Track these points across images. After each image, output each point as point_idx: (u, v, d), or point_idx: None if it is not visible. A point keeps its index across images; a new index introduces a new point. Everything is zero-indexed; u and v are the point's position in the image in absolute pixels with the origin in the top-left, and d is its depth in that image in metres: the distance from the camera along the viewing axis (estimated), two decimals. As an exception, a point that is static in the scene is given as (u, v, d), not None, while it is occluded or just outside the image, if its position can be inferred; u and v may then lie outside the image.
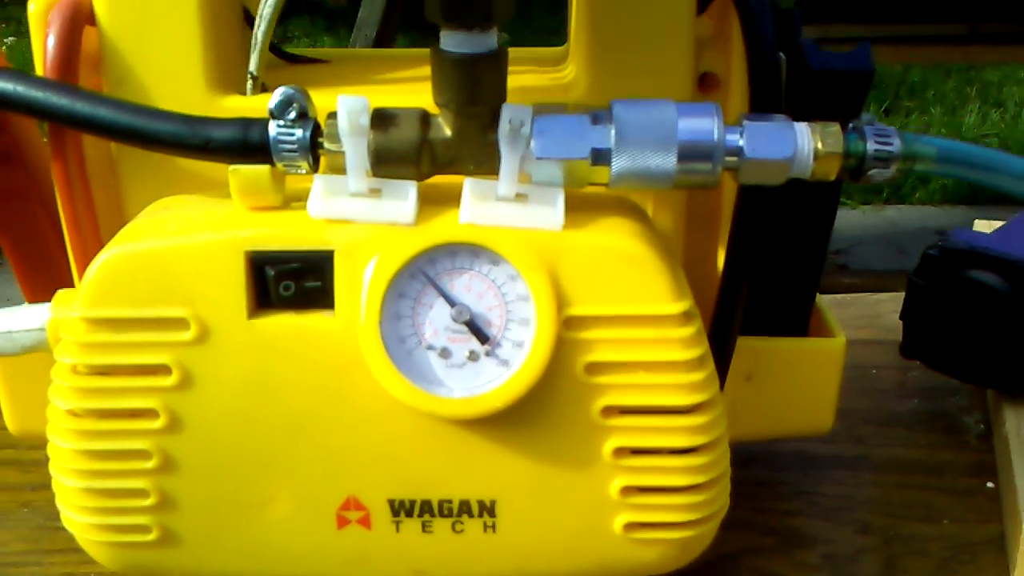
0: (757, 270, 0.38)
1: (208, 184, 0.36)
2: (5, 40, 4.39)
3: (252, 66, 0.36)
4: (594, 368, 0.32)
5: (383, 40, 1.96)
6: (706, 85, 0.38)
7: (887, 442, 0.50)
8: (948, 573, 0.41)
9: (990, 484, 0.46)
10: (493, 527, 0.34)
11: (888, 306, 0.56)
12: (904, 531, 0.43)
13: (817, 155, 0.32)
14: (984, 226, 0.62)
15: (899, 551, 0.42)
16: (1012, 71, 3.72)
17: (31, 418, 0.43)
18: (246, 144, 0.32)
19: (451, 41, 0.30)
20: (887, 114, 3.43)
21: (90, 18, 0.36)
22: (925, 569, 0.41)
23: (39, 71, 0.36)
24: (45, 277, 0.41)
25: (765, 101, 0.34)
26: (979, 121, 3.34)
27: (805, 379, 0.42)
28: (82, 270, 0.38)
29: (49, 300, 0.37)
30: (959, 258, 0.47)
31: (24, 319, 0.35)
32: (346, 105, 0.31)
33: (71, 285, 0.39)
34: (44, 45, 0.35)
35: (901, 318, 0.50)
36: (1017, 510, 0.41)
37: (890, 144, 0.32)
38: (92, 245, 0.37)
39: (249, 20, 0.39)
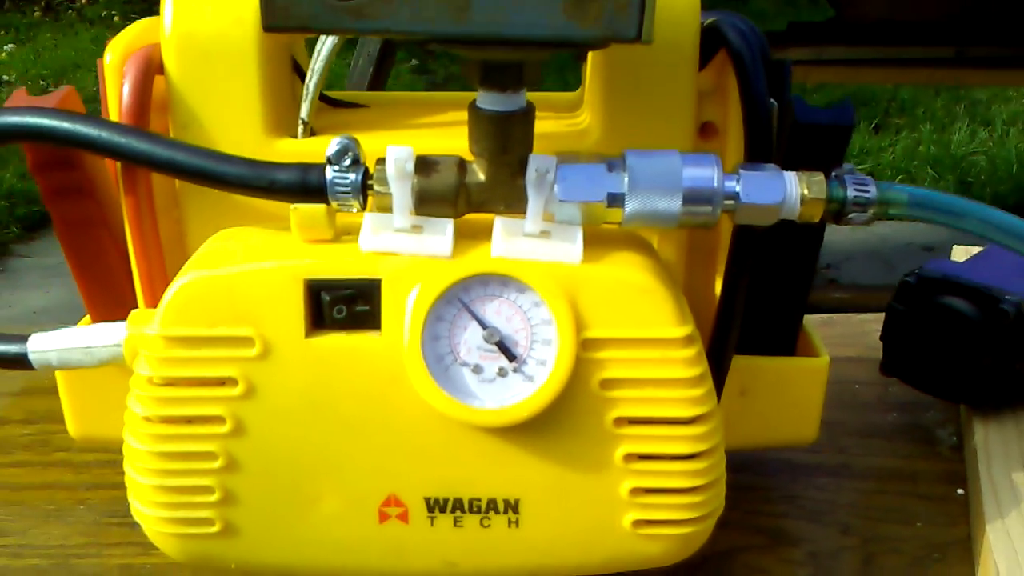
0: (750, 297, 0.43)
1: (261, 217, 0.40)
2: (4, 47, 4.42)
3: (303, 113, 0.41)
4: (608, 384, 0.36)
5: (385, 54, 2.01)
6: (706, 133, 0.43)
7: (867, 452, 0.54)
8: (920, 570, 0.45)
9: (960, 491, 0.50)
10: (517, 523, 0.38)
11: (871, 326, 0.60)
12: (881, 532, 0.48)
13: (804, 200, 0.36)
14: (961, 251, 0.66)
15: (876, 550, 0.47)
16: (1000, 90, 3.79)
17: (91, 423, 0.47)
18: (305, 186, 0.36)
19: (487, 100, 0.35)
20: (877, 131, 3.49)
21: (159, 69, 0.40)
22: (899, 566, 0.45)
23: (114, 115, 0.40)
24: (108, 298, 0.45)
25: (759, 149, 0.39)
26: (968, 139, 3.40)
27: (792, 394, 0.47)
28: (147, 292, 0.42)
29: (110, 318, 0.41)
30: (933, 286, 0.52)
31: (102, 336, 0.39)
32: (394, 154, 0.35)
33: (132, 306, 0.44)
34: (120, 92, 0.39)
35: (881, 338, 0.54)
36: (982, 513, 0.46)
37: (867, 191, 0.37)
38: (157, 270, 0.42)
39: (297, 69, 0.44)
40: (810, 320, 0.49)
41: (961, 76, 2.39)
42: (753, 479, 0.51)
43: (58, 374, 0.46)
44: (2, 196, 2.96)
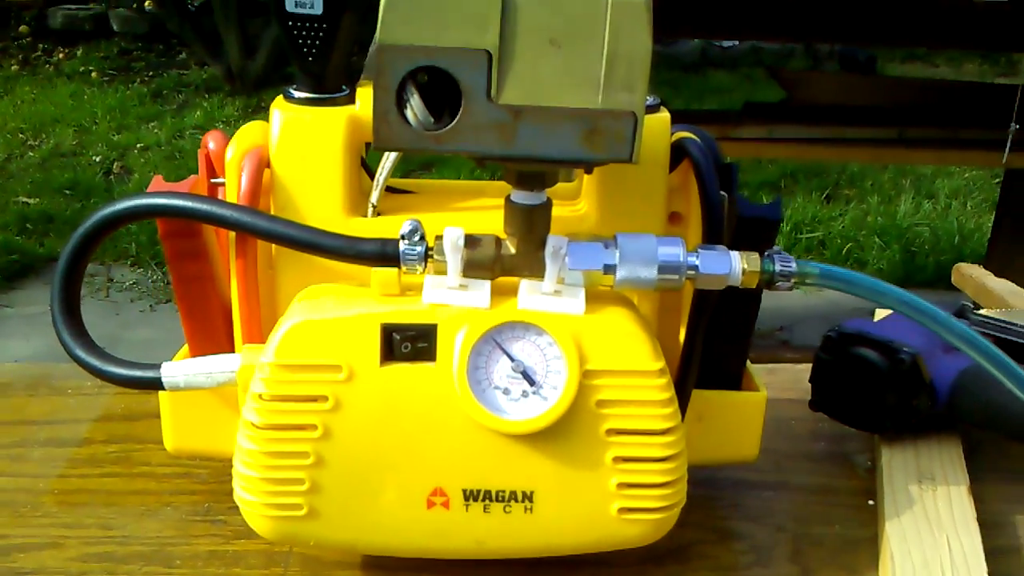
0: (706, 344, 0.56)
1: (336, 275, 0.53)
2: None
3: (373, 199, 0.54)
4: (602, 403, 0.49)
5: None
6: (674, 220, 0.57)
7: (800, 472, 0.67)
8: (837, 557, 0.58)
9: (871, 502, 0.64)
10: (531, 510, 0.50)
11: (806, 374, 0.73)
12: (808, 531, 0.60)
13: (744, 272, 0.50)
14: (881, 313, 0.81)
15: (803, 544, 0.59)
16: (944, 166, 4.02)
17: (185, 439, 0.59)
18: (384, 255, 0.49)
19: (519, 196, 0.49)
20: (828, 201, 3.70)
21: (267, 163, 0.53)
22: (821, 555, 0.58)
23: (231, 197, 0.53)
24: (207, 338, 0.57)
25: (712, 234, 0.53)
26: (913, 210, 3.61)
27: (739, 420, 0.60)
28: (247, 334, 0.54)
29: (207, 354, 0.54)
30: (850, 339, 0.66)
31: (220, 364, 0.52)
32: (449, 233, 0.48)
33: (223, 345, 0.56)
34: (239, 181, 0.52)
35: (810, 381, 0.68)
36: (883, 516, 0.59)
37: (790, 266, 0.50)
38: (256, 317, 0.54)
39: (363, 165, 0.57)
40: (754, 366, 0.62)
41: (903, 155, 2.59)
42: (708, 491, 0.64)
43: (163, 400, 0.58)
44: (-16, 246, 3.03)
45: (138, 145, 4.10)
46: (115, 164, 3.90)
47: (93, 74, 5.13)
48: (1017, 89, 1.95)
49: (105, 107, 4.53)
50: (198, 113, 4.52)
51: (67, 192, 3.54)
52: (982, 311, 0.83)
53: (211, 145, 0.56)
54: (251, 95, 4.68)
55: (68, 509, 0.60)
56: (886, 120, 2.23)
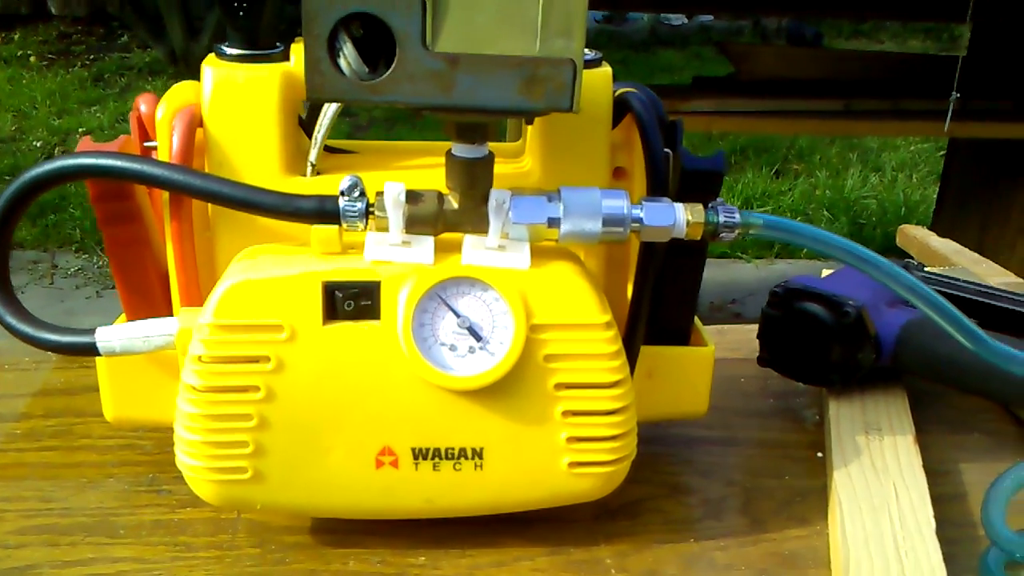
0: (654, 299, 0.56)
1: (275, 237, 0.52)
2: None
3: (312, 158, 0.53)
4: (550, 358, 0.49)
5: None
6: (618, 175, 0.57)
7: (749, 428, 0.68)
8: (786, 509, 0.59)
9: (819, 454, 0.64)
10: (481, 467, 0.50)
11: (754, 334, 0.73)
12: (757, 484, 0.61)
13: (689, 224, 0.50)
14: (827, 272, 0.82)
15: (753, 496, 0.60)
16: (890, 139, 4.09)
17: (124, 407, 0.57)
18: (323, 212, 0.48)
19: (460, 150, 0.48)
20: (777, 176, 3.74)
21: (200, 122, 0.52)
22: (770, 506, 0.59)
23: (165, 157, 0.52)
24: (144, 303, 0.55)
25: (656, 187, 0.53)
26: (860, 184, 3.67)
27: (687, 376, 0.60)
28: (184, 296, 0.53)
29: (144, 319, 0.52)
30: (796, 294, 0.66)
31: (157, 327, 0.51)
32: (390, 188, 0.48)
33: (161, 310, 0.55)
34: (170, 140, 0.51)
35: (758, 337, 0.68)
36: (831, 466, 0.60)
37: (733, 217, 0.50)
38: (193, 279, 0.53)
39: (300, 123, 0.56)
40: (702, 325, 0.62)
41: (848, 127, 2.62)
42: (658, 448, 0.64)
43: (100, 367, 0.56)
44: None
45: (80, 129, 4.00)
46: (56, 149, 3.81)
47: (32, 58, 5.00)
48: (958, 60, 1.98)
49: (45, 91, 4.42)
50: (136, 97, 4.42)
51: (7, 178, 3.44)
52: (927, 268, 0.84)
53: (143, 108, 0.55)
54: (196, 77, 4.58)
55: (5, 483, 0.58)
56: (832, 92, 2.26)
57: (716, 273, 2.95)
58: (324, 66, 0.43)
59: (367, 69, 0.43)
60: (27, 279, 2.82)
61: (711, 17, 5.90)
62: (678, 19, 5.95)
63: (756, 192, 3.54)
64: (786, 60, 2.53)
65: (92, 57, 5.07)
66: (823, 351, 0.65)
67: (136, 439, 0.63)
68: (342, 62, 0.43)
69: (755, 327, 0.70)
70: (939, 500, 0.56)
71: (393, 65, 0.43)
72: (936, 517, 0.54)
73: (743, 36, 5.72)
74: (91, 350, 0.51)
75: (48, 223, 3.08)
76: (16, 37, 5.27)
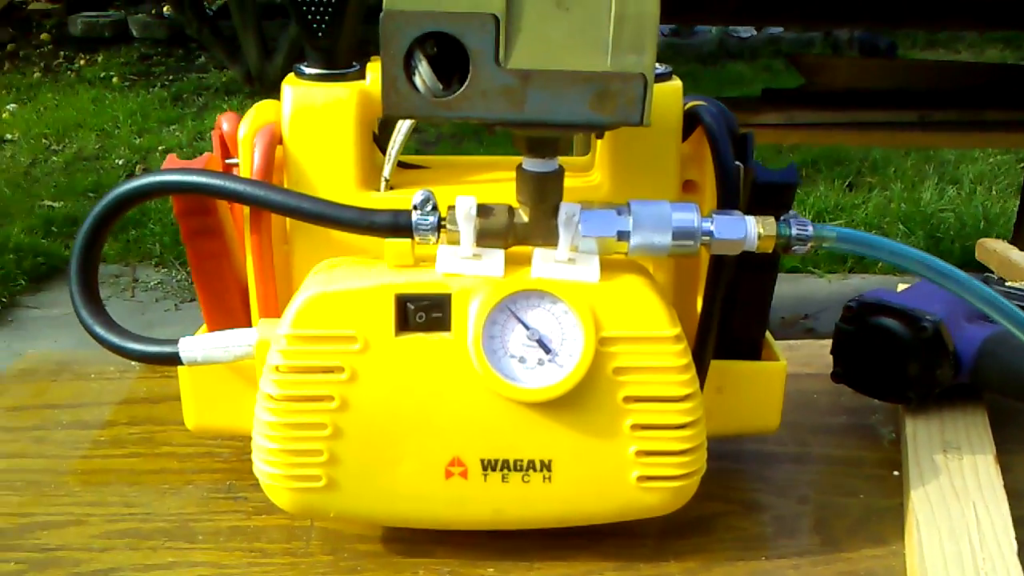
0: (725, 314, 0.56)
1: (350, 249, 0.53)
2: (7, 107, 4.56)
3: (386, 173, 0.54)
4: (619, 370, 0.49)
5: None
6: (688, 188, 0.57)
7: (822, 444, 0.67)
8: (861, 528, 0.57)
9: (896, 473, 0.63)
10: (550, 479, 0.50)
11: (827, 350, 0.72)
12: (831, 502, 0.60)
13: (760, 237, 0.50)
14: (903, 287, 0.80)
15: (827, 514, 0.59)
16: (967, 150, 3.98)
17: (204, 416, 0.59)
18: (396, 226, 0.49)
19: (531, 164, 0.49)
20: (851, 189, 3.67)
21: (280, 140, 0.54)
22: (845, 525, 0.58)
23: (245, 173, 0.54)
24: (224, 314, 0.57)
25: (727, 200, 0.53)
26: (937, 197, 3.57)
27: (759, 391, 0.59)
28: (263, 309, 0.55)
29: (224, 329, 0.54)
30: (871, 309, 0.65)
31: (237, 338, 0.52)
32: (462, 202, 0.48)
33: (240, 321, 0.56)
34: (251, 157, 0.53)
35: (832, 352, 0.67)
36: (908, 486, 0.59)
37: (806, 230, 0.50)
38: (271, 292, 0.54)
39: (375, 139, 0.57)
40: (773, 339, 0.62)
41: (924, 139, 2.56)
42: (732, 464, 0.64)
43: (182, 377, 0.58)
44: (10, 251, 3.07)
45: (160, 148, 4.13)
46: (137, 167, 3.93)
47: (114, 79, 5.19)
48: (1040, 68, 1.92)
49: (126, 111, 4.57)
50: (218, 115, 4.55)
51: (91, 195, 3.57)
52: (1008, 283, 0.82)
53: (224, 126, 0.57)
54: (270, 96, 4.69)
55: (91, 488, 0.61)
56: (906, 103, 2.21)
57: (788, 288, 2.90)
58: (400, 84, 0.44)
59: (441, 86, 0.44)
60: (109, 292, 2.92)
61: (781, 29, 5.83)
62: (747, 31, 5.89)
63: (829, 205, 3.47)
64: (858, 71, 2.49)
65: (171, 78, 5.23)
66: (900, 367, 0.64)
67: (215, 447, 0.65)
68: (417, 80, 0.44)
69: (828, 342, 0.69)
70: (1021, 523, 0.54)
71: (467, 82, 0.44)
72: (1018, 540, 0.53)
73: (814, 48, 5.63)
74: (174, 360, 0.53)
75: (129, 238, 3.18)
76: (100, 59, 5.48)
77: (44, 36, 5.63)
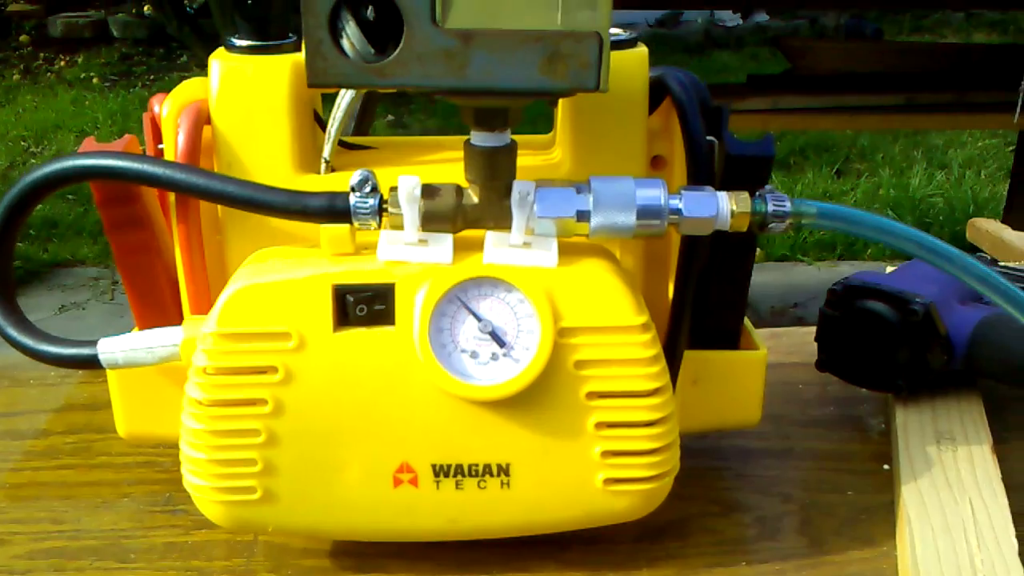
0: (699, 300, 0.51)
1: (289, 240, 0.49)
2: None
3: (326, 153, 0.50)
4: (580, 364, 0.45)
5: (366, 110, 2.13)
6: (657, 165, 0.52)
7: (808, 438, 0.62)
8: (850, 528, 0.53)
9: (886, 467, 0.59)
10: (508, 484, 0.46)
11: (811, 337, 0.68)
12: (817, 500, 0.56)
13: (733, 214, 0.45)
14: (891, 269, 0.76)
15: (813, 514, 0.55)
16: (956, 135, 3.95)
17: (137, 423, 0.55)
18: (333, 210, 0.45)
19: (479, 138, 0.44)
20: (839, 175, 3.64)
21: (207, 119, 0.49)
22: (832, 525, 0.53)
23: (169, 157, 0.49)
24: (155, 312, 0.52)
25: (698, 176, 0.48)
26: (926, 182, 3.54)
27: (738, 382, 0.55)
28: (193, 304, 0.50)
29: (158, 330, 0.49)
30: (857, 292, 0.61)
31: (161, 338, 0.47)
32: (404, 182, 0.44)
33: (174, 319, 0.52)
34: (175, 138, 0.48)
35: (816, 340, 0.63)
36: (899, 480, 0.55)
37: (784, 206, 0.46)
38: (202, 286, 0.50)
39: (316, 119, 0.53)
40: (752, 326, 0.57)
41: (912, 121, 2.53)
42: (710, 462, 0.60)
43: (111, 381, 0.53)
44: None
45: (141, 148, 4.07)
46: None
47: (94, 80, 5.12)
48: (1028, 47, 1.89)
49: (107, 112, 4.51)
50: (151, 97, 4.50)
51: (69, 197, 3.51)
52: (1000, 263, 0.78)
53: (156, 108, 0.52)
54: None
55: (19, 504, 0.56)
56: (894, 86, 2.18)
57: (777, 276, 2.87)
58: (326, 48, 0.39)
59: (372, 50, 0.39)
60: (88, 295, 2.86)
61: (766, 17, 5.79)
62: (732, 20, 5.85)
63: (817, 193, 3.44)
64: (845, 54, 2.45)
65: (152, 77, 5.17)
66: (888, 353, 0.60)
67: (156, 456, 0.60)
68: (345, 43, 0.39)
69: (811, 330, 0.65)
70: (1021, 517, 0.50)
71: (400, 45, 0.39)
72: (1018, 536, 0.49)
73: (800, 34, 5.59)
74: (93, 363, 0.48)
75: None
76: (80, 60, 5.41)
77: (23, 38, 5.55)
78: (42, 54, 5.46)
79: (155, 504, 0.56)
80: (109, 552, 0.52)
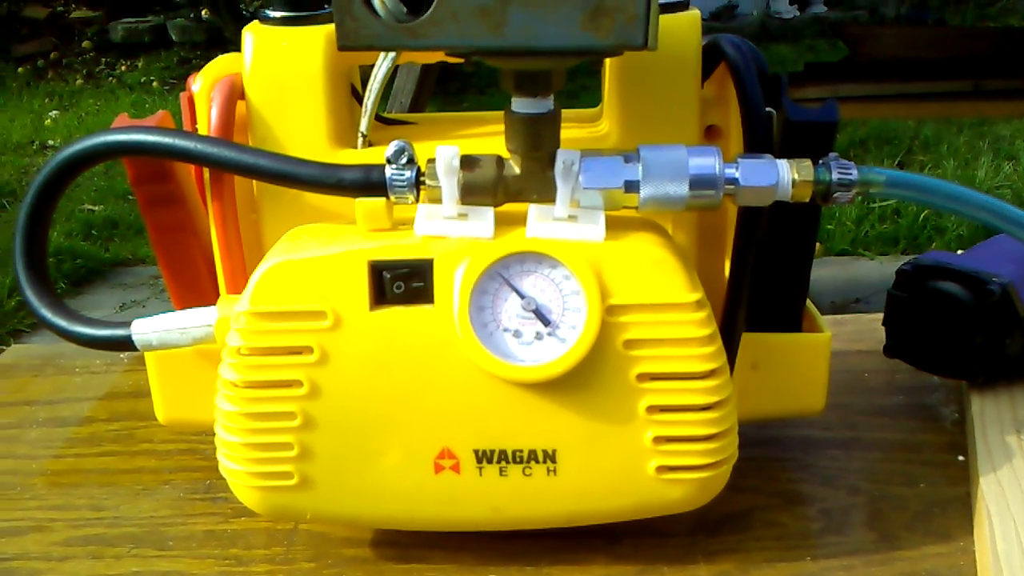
0: (758, 280, 0.48)
1: (327, 217, 0.47)
2: (49, 114, 4.61)
3: (363, 127, 0.48)
4: (630, 344, 0.42)
5: (416, 106, 2.12)
6: (711, 135, 0.49)
7: (875, 428, 0.59)
8: (922, 523, 0.50)
9: (961, 457, 0.55)
10: (555, 471, 0.43)
11: (878, 324, 0.64)
12: (887, 492, 0.52)
13: (795, 183, 0.42)
14: (963, 254, 0.71)
15: (883, 507, 0.51)
16: (1023, 125, 3.81)
17: (177, 408, 0.53)
18: (368, 183, 0.43)
19: (520, 105, 0.42)
20: (901, 168, 3.53)
21: (241, 94, 0.47)
22: (903, 519, 0.50)
23: (204, 132, 0.47)
24: (191, 292, 0.51)
25: (756, 145, 0.45)
26: (992, 174, 3.42)
27: (800, 367, 0.52)
28: (229, 283, 0.48)
29: (195, 311, 0.48)
30: (928, 272, 0.57)
31: (195, 318, 0.46)
32: (442, 153, 0.42)
33: (211, 299, 0.50)
34: (208, 114, 0.47)
35: (884, 324, 0.59)
36: (977, 471, 0.51)
37: (850, 174, 0.42)
38: (238, 264, 0.48)
39: (354, 94, 0.51)
40: (816, 309, 0.54)
41: (979, 108, 2.44)
42: (772, 452, 0.56)
43: (149, 365, 0.52)
44: (50, 255, 3.08)
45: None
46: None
47: (154, 83, 5.21)
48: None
49: (166, 114, 4.60)
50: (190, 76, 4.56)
51: (130, 198, 3.58)
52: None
53: (194, 87, 0.51)
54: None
55: (58, 490, 0.55)
56: (958, 72, 2.10)
57: (837, 271, 2.79)
58: (356, 8, 0.37)
59: (405, 9, 0.37)
60: (148, 293, 2.90)
61: (824, 8, 5.66)
62: (789, 12, 5.73)
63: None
64: (907, 40, 2.38)
65: (209, 80, 5.25)
66: (963, 337, 0.56)
67: (198, 443, 0.59)
68: (377, 3, 0.37)
69: (878, 317, 0.61)
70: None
71: (434, 2, 0.37)
72: (1110, 532, 0.45)
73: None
74: (127, 344, 0.47)
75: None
76: (140, 65, 5.52)
77: (86, 43, 5.68)
78: (104, 59, 5.58)
79: (195, 492, 0.55)
80: (148, 539, 0.50)
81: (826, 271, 2.89)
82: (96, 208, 3.53)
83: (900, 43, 2.31)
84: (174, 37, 5.75)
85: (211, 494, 0.54)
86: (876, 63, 2.19)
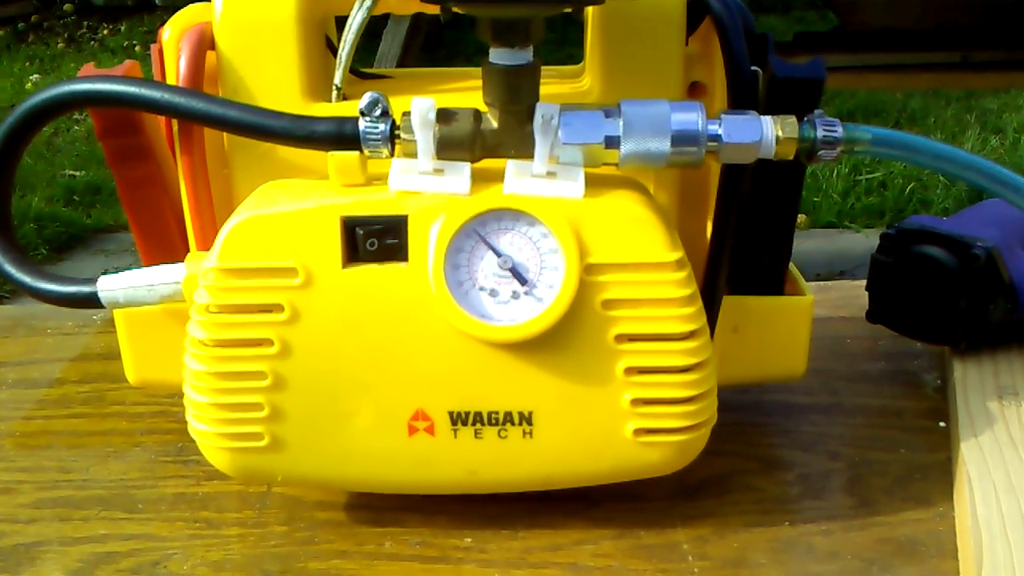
0: (740, 242, 0.47)
1: (300, 172, 0.46)
2: (30, 77, 4.54)
3: (337, 80, 0.46)
4: (609, 304, 0.41)
5: (409, 43, 2.10)
6: (695, 92, 0.48)
7: (857, 394, 0.58)
8: (902, 488, 0.49)
9: (942, 424, 0.55)
10: (531, 434, 0.43)
11: (861, 290, 0.63)
12: (867, 458, 0.52)
13: (778, 140, 0.41)
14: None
15: (862, 472, 0.51)
16: (1011, 99, 3.81)
17: (147, 369, 0.52)
18: (341, 136, 0.41)
19: (498, 55, 0.40)
20: (889, 140, 3.53)
21: (211, 44, 0.46)
22: (883, 485, 0.50)
23: (172, 83, 0.46)
24: (161, 249, 0.50)
25: (741, 103, 0.44)
26: (979, 147, 3.42)
27: (782, 330, 0.51)
28: (199, 240, 0.47)
29: (166, 270, 0.46)
30: (912, 237, 0.56)
31: (163, 275, 0.45)
32: (418, 105, 0.40)
33: (181, 255, 0.49)
34: (177, 64, 0.45)
35: (867, 288, 0.59)
36: (958, 437, 0.50)
37: (835, 131, 0.41)
38: (208, 220, 0.47)
39: (328, 45, 0.50)
40: (798, 272, 0.53)
41: (967, 80, 2.42)
42: (751, 417, 0.56)
43: (119, 325, 0.51)
44: (31, 219, 3.04)
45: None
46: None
47: (137, 48, 5.14)
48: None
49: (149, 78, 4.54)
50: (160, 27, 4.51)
51: (110, 164, 3.55)
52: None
53: (164, 37, 0.49)
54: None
55: (27, 452, 0.54)
56: (948, 44, 2.09)
57: (822, 243, 2.79)
58: (326, -49, 0.35)
59: (377, -47, 0.36)
60: (130, 260, 2.87)
61: (815, -22, 5.62)
62: (779, -18, 5.68)
63: (866, 158, 3.34)
64: (896, 9, 2.35)
65: (192, 45, 5.18)
66: (946, 302, 0.55)
67: (170, 405, 0.58)
68: (348, -54, 0.36)
69: (861, 283, 0.61)
70: (1093, 478, 0.46)
71: (407, -54, 0.35)
72: (1090, 498, 0.44)
73: (849, -4, 5.43)
74: (93, 300, 0.46)
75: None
76: (122, 29, 5.43)
77: (67, 7, 5.59)
78: (85, 23, 5.49)
79: (167, 454, 0.54)
80: (117, 502, 0.50)
81: (812, 243, 2.89)
82: (78, 174, 3.49)
83: (889, 12, 2.30)
84: (157, 1, 5.67)
85: (183, 457, 0.53)
86: (865, 33, 2.18)
